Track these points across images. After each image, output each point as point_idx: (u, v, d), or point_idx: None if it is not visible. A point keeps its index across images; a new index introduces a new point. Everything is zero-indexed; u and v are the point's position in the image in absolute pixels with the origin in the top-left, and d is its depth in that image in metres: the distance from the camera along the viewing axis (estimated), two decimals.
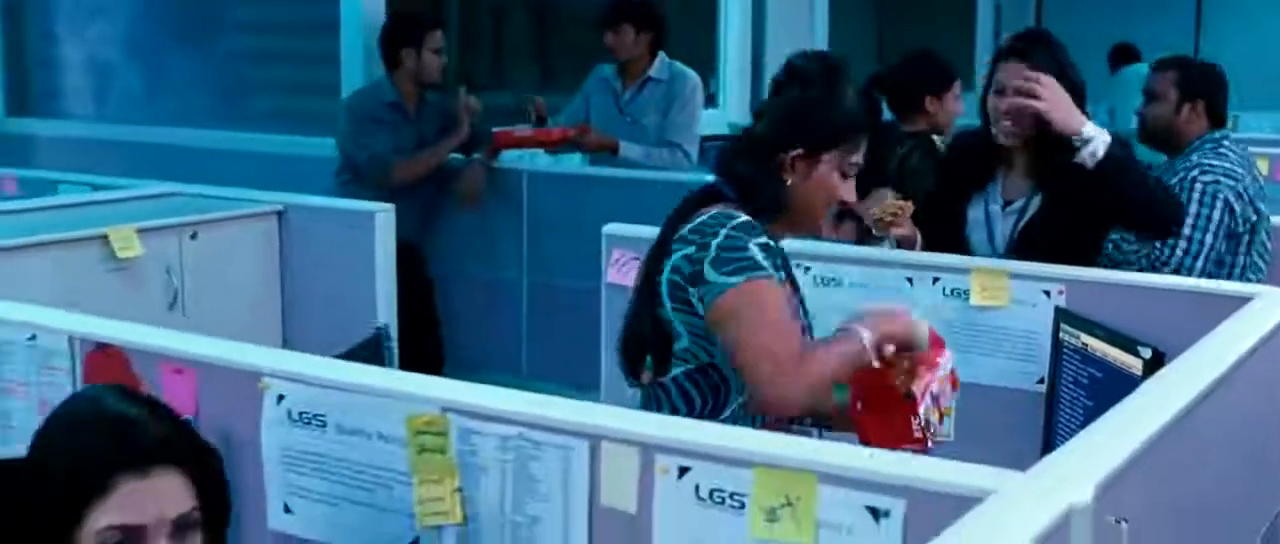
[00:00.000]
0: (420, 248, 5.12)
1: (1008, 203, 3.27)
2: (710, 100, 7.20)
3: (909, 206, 3.20)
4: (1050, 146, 3.13)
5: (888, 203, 3.20)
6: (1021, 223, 3.22)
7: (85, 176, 4.72)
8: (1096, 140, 3.03)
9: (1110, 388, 2.55)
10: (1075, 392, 2.76)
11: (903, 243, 3.22)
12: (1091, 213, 3.16)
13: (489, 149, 5.22)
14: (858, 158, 2.50)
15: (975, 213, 3.30)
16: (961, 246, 3.26)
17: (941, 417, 2.36)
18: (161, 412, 1.71)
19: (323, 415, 2.01)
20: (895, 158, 4.23)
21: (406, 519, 1.94)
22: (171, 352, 2.21)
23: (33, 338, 2.43)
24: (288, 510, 2.06)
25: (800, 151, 2.48)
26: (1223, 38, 10.51)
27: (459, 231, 5.27)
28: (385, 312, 3.86)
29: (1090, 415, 2.47)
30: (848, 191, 2.51)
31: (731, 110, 7.57)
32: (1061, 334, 2.81)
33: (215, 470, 1.72)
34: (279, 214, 4.07)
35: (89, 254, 3.61)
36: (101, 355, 2.32)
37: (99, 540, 1.61)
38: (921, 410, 2.31)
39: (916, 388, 2.32)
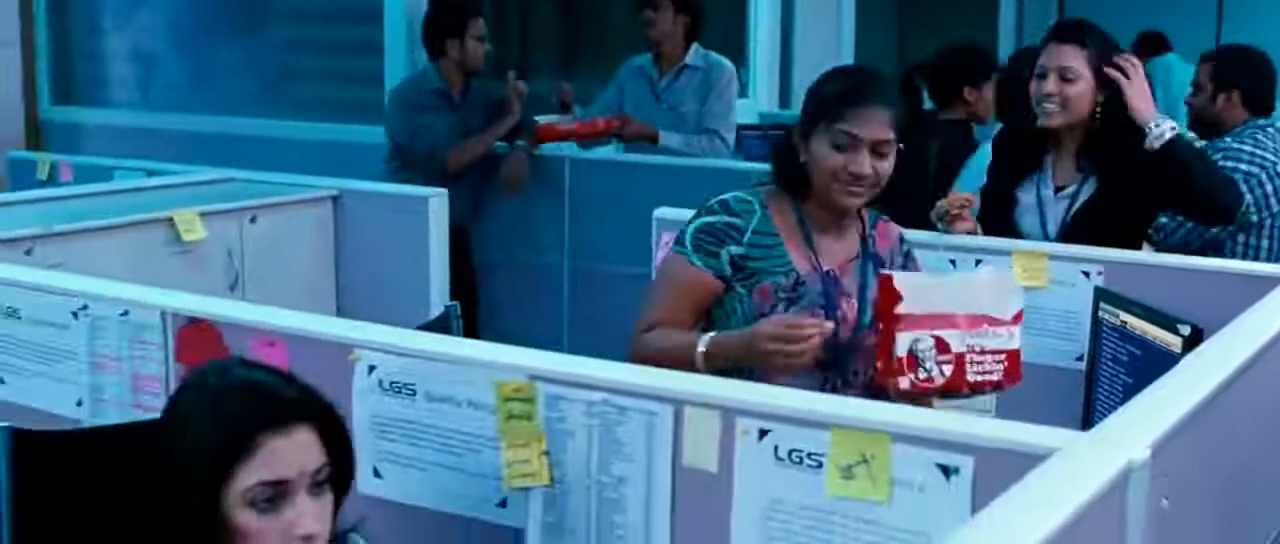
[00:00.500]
0: (467, 233, 5.23)
1: (1059, 188, 3.38)
2: (741, 90, 7.31)
3: (975, 199, 3.31)
4: (1101, 133, 3.28)
5: (955, 195, 3.31)
6: (1073, 207, 3.32)
7: (140, 162, 4.85)
8: (1164, 126, 3.18)
9: (1149, 364, 2.65)
10: (1114, 368, 2.88)
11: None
12: (1144, 198, 3.28)
13: (532, 137, 5.33)
14: (847, 127, 2.58)
15: (1027, 198, 3.40)
16: (1013, 232, 3.37)
17: (969, 385, 2.36)
18: (288, 376, 1.83)
19: (412, 384, 2.14)
20: (933, 147, 4.34)
21: (494, 482, 2.06)
22: (263, 325, 2.34)
23: (125, 313, 2.56)
24: (377, 475, 2.19)
25: (799, 129, 2.68)
26: (1245, 28, 10.55)
27: (503, 217, 5.38)
28: (438, 295, 3.98)
29: (1129, 391, 2.58)
30: (850, 162, 2.59)
31: (761, 100, 7.69)
32: (1101, 313, 2.92)
33: (341, 428, 1.83)
34: (334, 199, 4.19)
35: (154, 236, 3.75)
36: (194, 329, 2.45)
37: (248, 497, 1.72)
38: (901, 343, 2.33)
39: (902, 324, 2.35)
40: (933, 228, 3.29)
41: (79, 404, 2.66)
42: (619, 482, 1.95)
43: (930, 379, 2.31)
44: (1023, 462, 1.58)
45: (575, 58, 7.91)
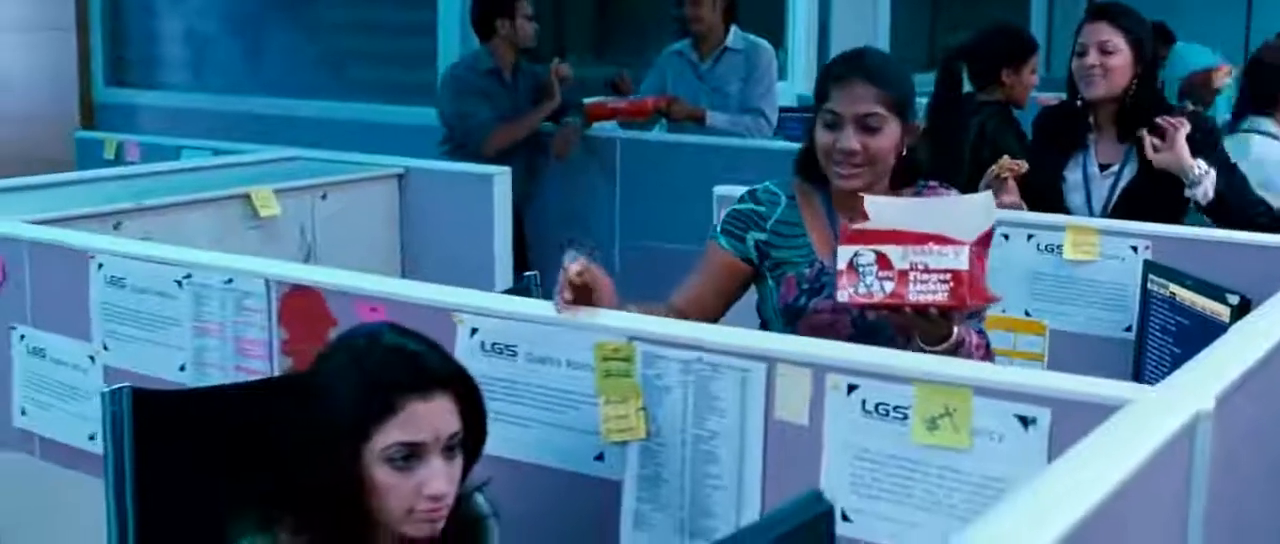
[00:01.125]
0: (521, 213, 5.37)
1: (1103, 167, 3.58)
2: (779, 73, 7.43)
3: (1023, 166, 3.45)
4: (1137, 106, 3.50)
5: (1004, 161, 3.45)
6: (1118, 186, 3.51)
7: (206, 142, 5.01)
8: (1206, 180, 3.37)
9: (1197, 333, 2.77)
10: (1163, 339, 3.01)
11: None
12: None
13: (585, 116, 5.48)
14: (831, 105, 2.61)
15: (1073, 176, 3.60)
16: (1061, 209, 3.54)
17: (911, 305, 2.25)
18: (434, 344, 1.97)
19: (513, 345, 2.29)
20: (972, 128, 4.47)
21: (592, 437, 2.21)
22: (366, 291, 2.49)
23: (230, 281, 2.71)
24: None
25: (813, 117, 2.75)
26: (1276, 20, 10.59)
27: (556, 197, 5.54)
28: (502, 270, 4.13)
29: (1177, 360, 2.71)
30: (837, 139, 2.60)
31: (799, 83, 7.82)
32: (1149, 285, 3.05)
33: (478, 399, 1.97)
34: (400, 177, 4.34)
35: (232, 212, 3.91)
36: (299, 296, 2.60)
37: (386, 455, 1.86)
38: (841, 256, 2.28)
39: (848, 239, 2.30)
40: None
41: (182, 369, 2.81)
42: (713, 435, 2.10)
43: (870, 293, 2.26)
44: (1096, 412, 1.72)
45: (608, 40, 8.04)
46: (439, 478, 1.88)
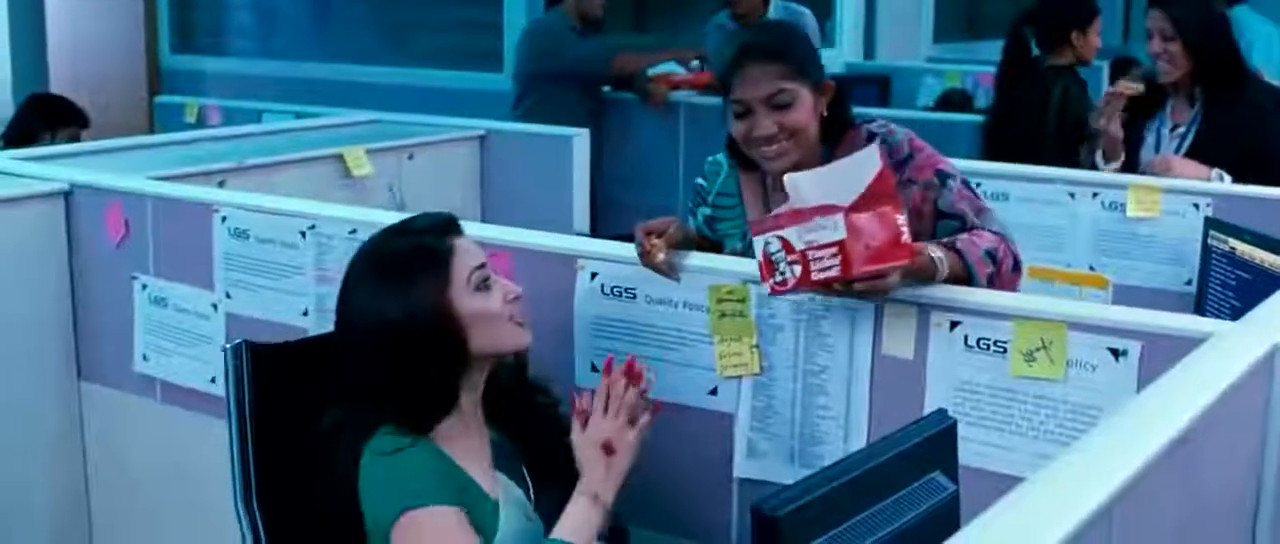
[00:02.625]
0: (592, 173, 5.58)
1: (1174, 127, 3.82)
2: (829, 40, 7.60)
3: (1139, 86, 3.74)
4: (1206, 78, 3.72)
5: (1122, 83, 3.75)
6: (1183, 145, 3.74)
7: (287, 106, 5.21)
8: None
9: (1256, 286, 2.94)
10: (1222, 292, 3.18)
11: (1110, 145, 3.75)
12: (1232, 147, 3.63)
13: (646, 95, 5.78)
14: (735, 95, 2.51)
15: (1150, 136, 3.85)
16: (1136, 166, 3.77)
17: (813, 284, 2.17)
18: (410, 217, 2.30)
19: (633, 288, 2.48)
20: (1039, 94, 4.63)
21: (707, 372, 2.41)
22: (489, 239, 2.66)
23: (354, 231, 2.89)
24: (595, 369, 2.52)
25: None
26: None
27: (621, 160, 5.73)
28: (580, 228, 4.33)
29: (1237, 312, 2.88)
30: (751, 126, 2.50)
31: (846, 51, 7.97)
32: (1210, 240, 3.22)
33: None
34: (481, 138, 4.54)
35: (326, 171, 4.10)
36: None
37: (473, 283, 2.15)
38: (756, 248, 2.20)
39: (757, 228, 2.23)
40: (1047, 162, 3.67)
41: (305, 314, 3.00)
42: (822, 370, 2.29)
43: (785, 282, 2.18)
44: (1183, 344, 1.89)
45: (647, 12, 8.19)
46: (510, 283, 2.22)
